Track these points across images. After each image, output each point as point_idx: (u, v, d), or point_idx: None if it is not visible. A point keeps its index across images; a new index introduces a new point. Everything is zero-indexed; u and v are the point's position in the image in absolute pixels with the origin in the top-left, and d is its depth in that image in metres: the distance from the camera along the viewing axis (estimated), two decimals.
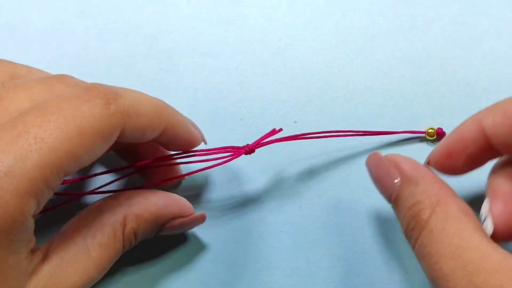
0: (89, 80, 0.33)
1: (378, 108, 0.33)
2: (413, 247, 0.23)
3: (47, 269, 0.22)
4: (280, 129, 0.29)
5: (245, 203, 0.32)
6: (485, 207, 0.24)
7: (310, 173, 0.32)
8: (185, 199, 0.27)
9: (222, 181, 0.32)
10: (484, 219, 0.24)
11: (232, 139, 0.33)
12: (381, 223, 0.32)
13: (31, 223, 0.20)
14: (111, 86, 0.24)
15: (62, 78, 0.25)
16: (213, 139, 0.32)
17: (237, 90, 0.33)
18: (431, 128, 0.31)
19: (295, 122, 0.33)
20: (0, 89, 0.23)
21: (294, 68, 0.34)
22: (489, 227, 0.23)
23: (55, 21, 0.34)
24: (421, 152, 0.31)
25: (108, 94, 0.22)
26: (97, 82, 0.33)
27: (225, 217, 0.32)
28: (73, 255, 0.22)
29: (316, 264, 0.32)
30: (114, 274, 0.30)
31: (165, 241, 0.31)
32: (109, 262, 0.24)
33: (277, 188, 0.32)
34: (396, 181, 0.24)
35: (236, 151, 0.28)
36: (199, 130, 0.29)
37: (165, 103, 0.26)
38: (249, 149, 0.28)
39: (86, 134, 0.21)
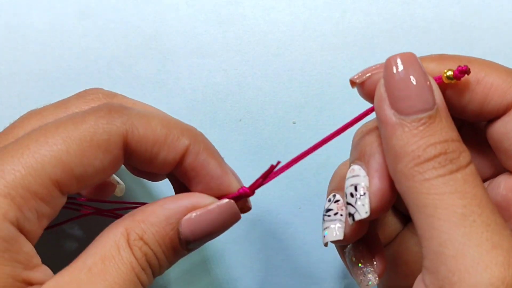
0: (87, 80, 0.34)
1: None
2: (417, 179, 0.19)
3: None
4: (278, 162, 0.25)
5: None
6: (362, 182, 0.22)
7: (309, 174, 0.32)
8: (207, 196, 0.23)
9: None
10: (360, 196, 0.22)
11: (231, 140, 0.33)
12: None
13: (12, 231, 0.19)
14: (126, 105, 0.23)
15: (82, 94, 0.24)
16: (212, 140, 0.32)
17: (236, 91, 0.34)
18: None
19: (294, 123, 0.33)
20: (16, 121, 0.24)
21: (293, 69, 0.34)
22: (366, 206, 0.22)
23: (55, 22, 0.34)
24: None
25: (113, 107, 0.22)
26: (97, 82, 0.34)
27: None
28: (72, 276, 0.20)
29: (316, 264, 0.32)
30: None
31: None
32: (121, 278, 0.20)
33: (277, 188, 0.32)
34: (432, 100, 0.20)
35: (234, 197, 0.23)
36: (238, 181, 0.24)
37: (194, 128, 0.24)
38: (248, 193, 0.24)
39: (73, 138, 0.20)
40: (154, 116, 0.22)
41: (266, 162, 0.32)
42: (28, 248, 0.20)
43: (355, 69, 0.34)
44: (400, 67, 0.21)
